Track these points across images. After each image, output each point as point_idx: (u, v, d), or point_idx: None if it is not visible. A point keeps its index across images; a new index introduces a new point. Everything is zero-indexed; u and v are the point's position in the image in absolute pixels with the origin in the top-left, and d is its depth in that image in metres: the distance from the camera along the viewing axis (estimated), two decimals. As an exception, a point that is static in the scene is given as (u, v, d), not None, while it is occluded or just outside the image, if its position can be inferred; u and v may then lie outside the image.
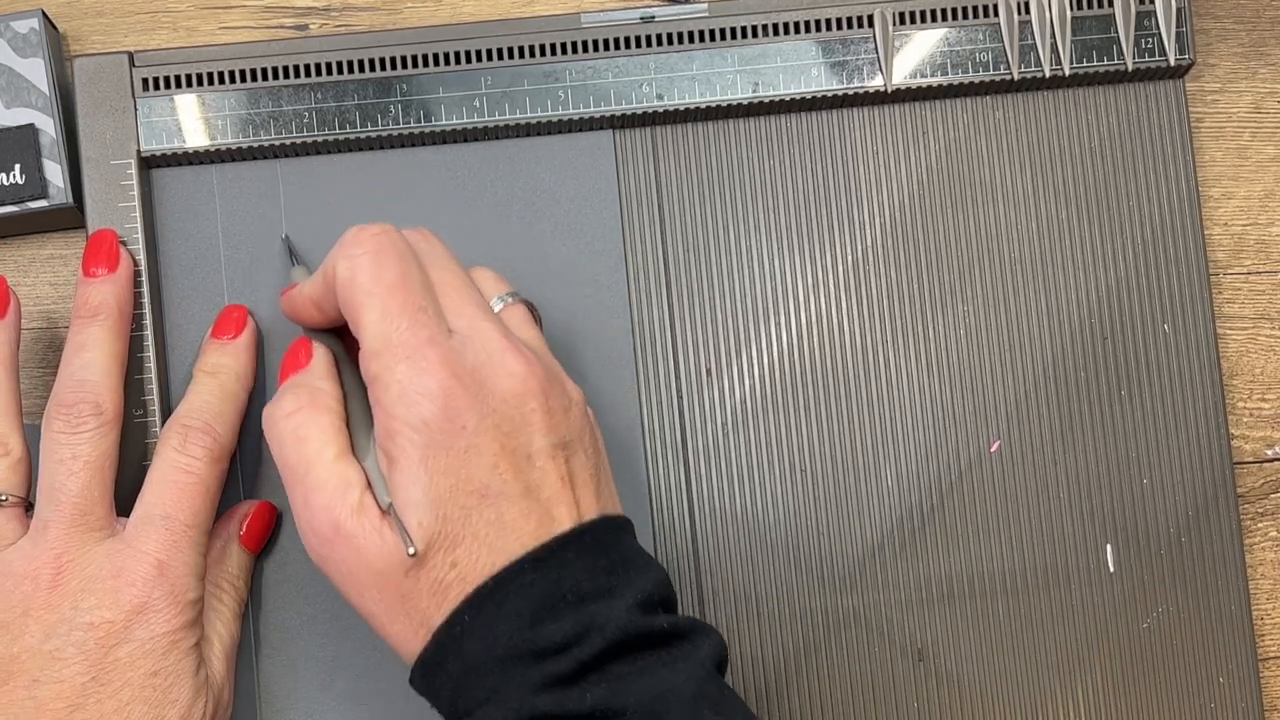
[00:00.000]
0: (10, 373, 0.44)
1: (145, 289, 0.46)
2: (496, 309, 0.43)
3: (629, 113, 0.48)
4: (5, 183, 0.47)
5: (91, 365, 0.43)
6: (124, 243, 0.46)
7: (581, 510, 0.40)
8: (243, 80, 0.47)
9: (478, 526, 0.38)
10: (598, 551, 0.39)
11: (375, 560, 0.39)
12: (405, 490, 0.39)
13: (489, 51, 0.48)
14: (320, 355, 0.43)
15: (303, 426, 0.41)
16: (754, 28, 0.48)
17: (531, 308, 0.45)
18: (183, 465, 0.43)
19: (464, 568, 0.38)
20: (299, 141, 0.47)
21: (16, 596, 0.41)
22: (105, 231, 0.46)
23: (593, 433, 0.42)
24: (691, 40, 0.48)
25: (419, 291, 0.40)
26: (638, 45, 0.48)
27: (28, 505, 0.43)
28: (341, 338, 0.44)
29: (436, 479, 0.38)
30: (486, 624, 0.38)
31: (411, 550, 0.38)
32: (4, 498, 0.42)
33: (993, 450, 0.49)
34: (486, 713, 0.37)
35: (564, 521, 0.39)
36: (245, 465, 0.47)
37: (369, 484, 0.40)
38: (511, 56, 0.48)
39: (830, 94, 0.48)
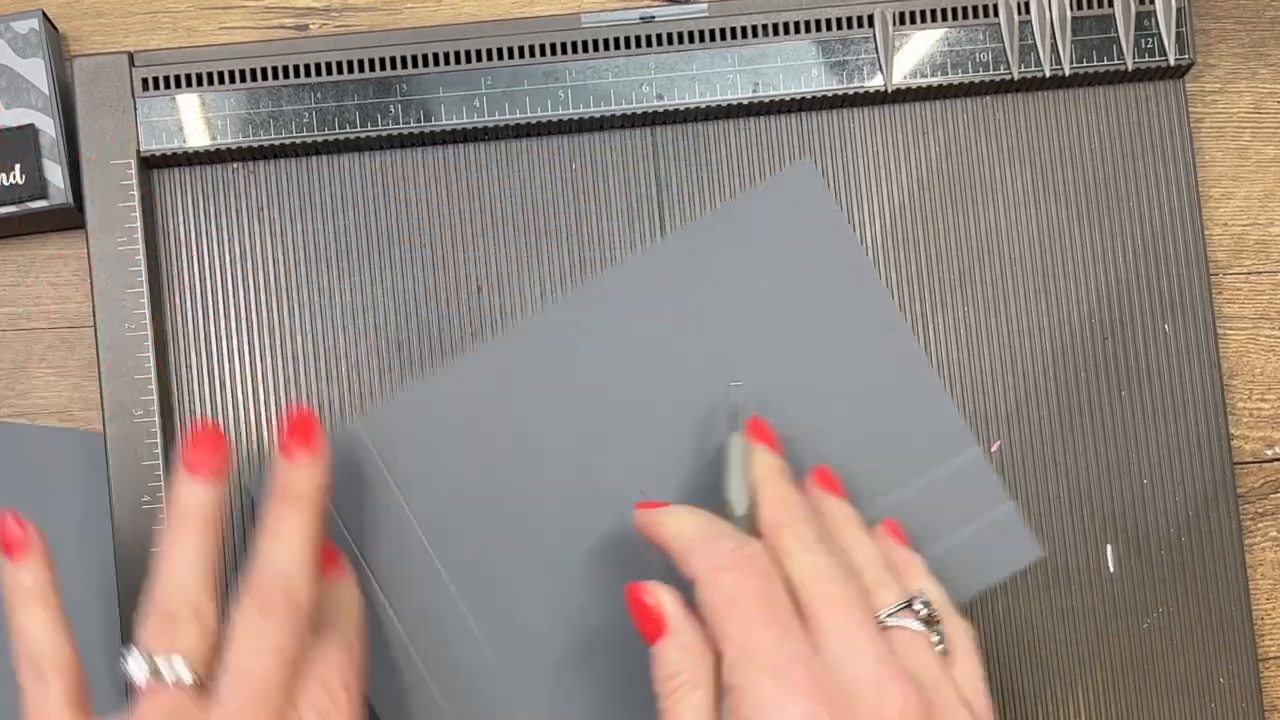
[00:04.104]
0: (216, 538, 0.42)
1: (145, 288, 0.46)
2: (890, 622, 0.41)
3: (629, 113, 0.48)
4: (5, 183, 0.47)
5: (289, 556, 0.42)
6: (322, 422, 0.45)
7: None
8: (243, 80, 0.47)
9: None
10: None
11: None
12: None
13: (489, 51, 0.48)
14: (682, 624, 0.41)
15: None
16: (754, 28, 0.48)
17: (932, 619, 0.42)
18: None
19: None
20: (299, 141, 0.47)
21: None
22: (307, 412, 0.44)
23: None
24: (691, 40, 0.48)
25: (784, 611, 0.39)
26: (638, 45, 0.48)
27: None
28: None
29: None
30: None
31: None
32: (195, 677, 0.40)
33: (993, 450, 0.49)
34: None
35: None
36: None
37: None
38: (511, 56, 0.48)
39: (830, 94, 0.48)
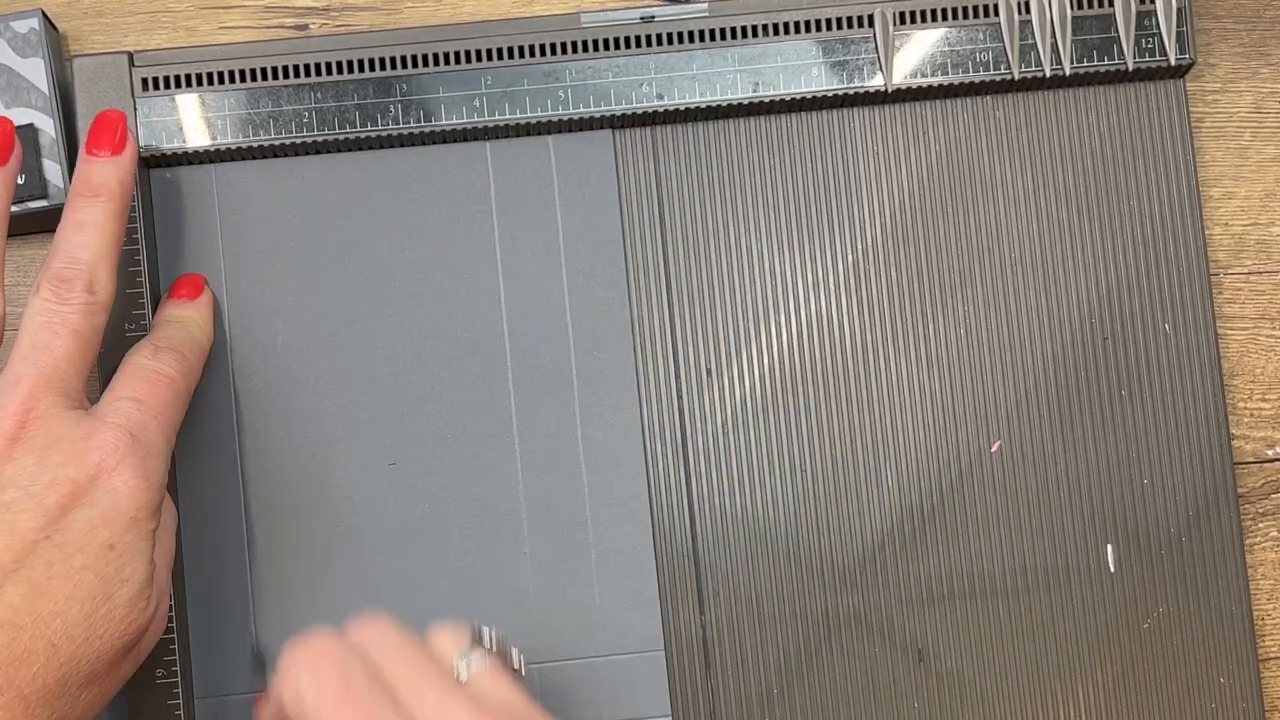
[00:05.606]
0: (2, 224, 0.42)
1: (145, 288, 0.46)
2: (463, 675, 0.40)
3: (629, 113, 0.48)
4: (5, 183, 0.47)
5: (88, 245, 0.42)
6: (131, 129, 0.46)
7: None
8: (243, 80, 0.47)
9: None
10: None
11: None
12: None
13: (489, 51, 0.48)
14: None
15: None
16: (754, 28, 0.48)
17: (503, 652, 0.42)
18: (154, 367, 0.43)
19: None
20: (299, 141, 0.47)
21: None
22: (113, 112, 0.44)
23: None
24: (691, 40, 0.48)
25: (367, 695, 0.38)
26: (638, 45, 0.48)
27: None
28: None
29: None
30: None
31: None
32: None
33: (994, 450, 0.49)
34: None
35: None
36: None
37: None
38: (511, 56, 0.48)
39: (830, 94, 0.48)
